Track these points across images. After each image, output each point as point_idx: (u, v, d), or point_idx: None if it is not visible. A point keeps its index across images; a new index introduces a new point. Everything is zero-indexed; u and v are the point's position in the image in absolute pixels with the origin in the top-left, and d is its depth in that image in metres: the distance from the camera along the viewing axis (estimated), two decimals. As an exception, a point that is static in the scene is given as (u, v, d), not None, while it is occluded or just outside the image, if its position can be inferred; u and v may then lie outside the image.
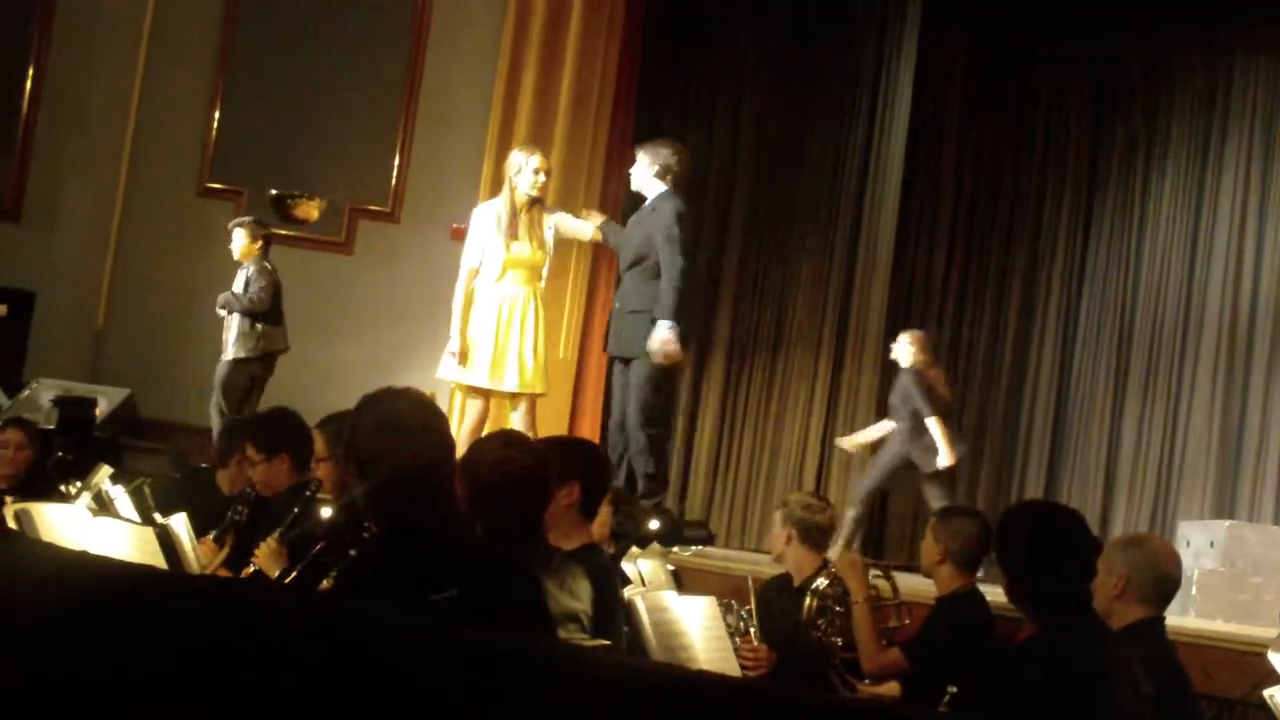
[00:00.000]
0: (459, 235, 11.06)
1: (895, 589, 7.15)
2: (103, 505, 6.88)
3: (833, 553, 7.95)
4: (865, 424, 13.67)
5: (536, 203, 10.36)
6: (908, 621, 7.06)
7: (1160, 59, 14.67)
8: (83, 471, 7.50)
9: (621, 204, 11.89)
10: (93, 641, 3.15)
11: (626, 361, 10.28)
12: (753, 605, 6.94)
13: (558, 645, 4.19)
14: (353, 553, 4.47)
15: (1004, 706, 4.96)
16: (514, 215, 10.26)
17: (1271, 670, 5.76)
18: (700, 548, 10.33)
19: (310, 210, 13.65)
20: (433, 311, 11.42)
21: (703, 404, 14.23)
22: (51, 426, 10.75)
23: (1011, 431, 14.69)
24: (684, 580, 7.94)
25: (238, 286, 11.71)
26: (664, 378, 10.26)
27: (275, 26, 13.90)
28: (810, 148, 14.38)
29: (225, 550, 7.36)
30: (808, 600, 6.93)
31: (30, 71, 14.03)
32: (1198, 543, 10.85)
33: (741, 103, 14.45)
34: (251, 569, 6.66)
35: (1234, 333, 14.21)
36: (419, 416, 4.35)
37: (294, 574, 5.74)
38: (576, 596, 5.20)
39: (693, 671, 4.57)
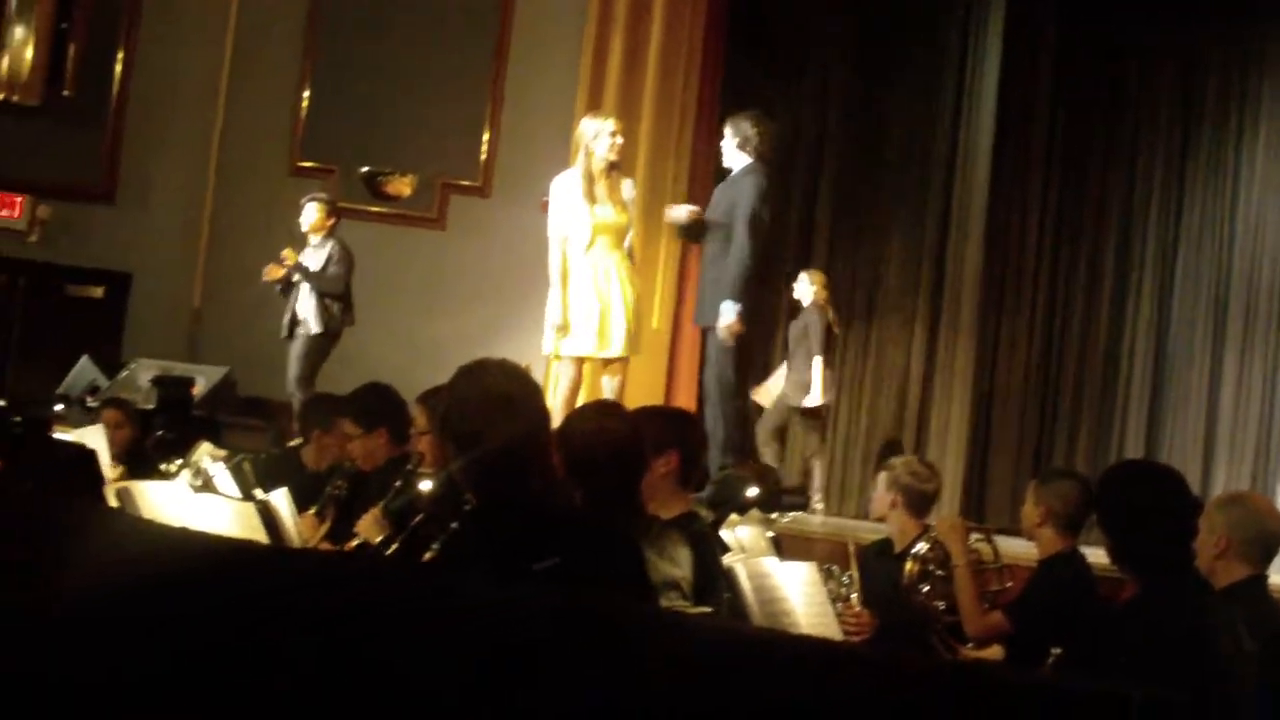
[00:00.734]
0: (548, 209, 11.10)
1: (996, 552, 7.10)
2: (203, 482, 6.93)
3: (933, 517, 7.91)
4: (962, 393, 13.65)
5: (614, 167, 10.36)
6: (1009, 585, 7.01)
7: (1252, 20, 14.44)
8: (182, 450, 7.56)
9: (713, 177, 11.84)
10: (197, 617, 3.17)
11: (707, 331, 10.34)
12: (854, 570, 6.92)
13: (661, 611, 4.19)
14: (454, 525, 4.47)
15: (1107, 667, 4.92)
16: (593, 181, 10.25)
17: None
18: (798, 514, 10.32)
19: (402, 186, 13.70)
20: (525, 285, 11.46)
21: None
22: (150, 406, 10.83)
23: (1110, 393, 14.55)
24: (784, 546, 7.92)
25: (314, 263, 11.78)
26: (739, 349, 10.29)
27: (362, 3, 13.95)
28: (899, 118, 14.28)
29: (326, 525, 7.41)
30: (909, 565, 6.90)
31: (120, 54, 14.14)
32: (1299, 500, 10.76)
33: (829, 75, 14.38)
34: (354, 543, 6.68)
35: (1333, 290, 14.06)
36: (515, 387, 4.34)
37: (394, 546, 5.77)
38: (677, 564, 5.20)
39: (796, 636, 4.56)
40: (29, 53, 13.76)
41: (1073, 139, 14.66)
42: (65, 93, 13.95)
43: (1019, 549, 7.70)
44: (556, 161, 10.79)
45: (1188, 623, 4.91)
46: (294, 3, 14.05)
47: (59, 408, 11.41)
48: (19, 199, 14.06)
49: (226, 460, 7.49)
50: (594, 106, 12.50)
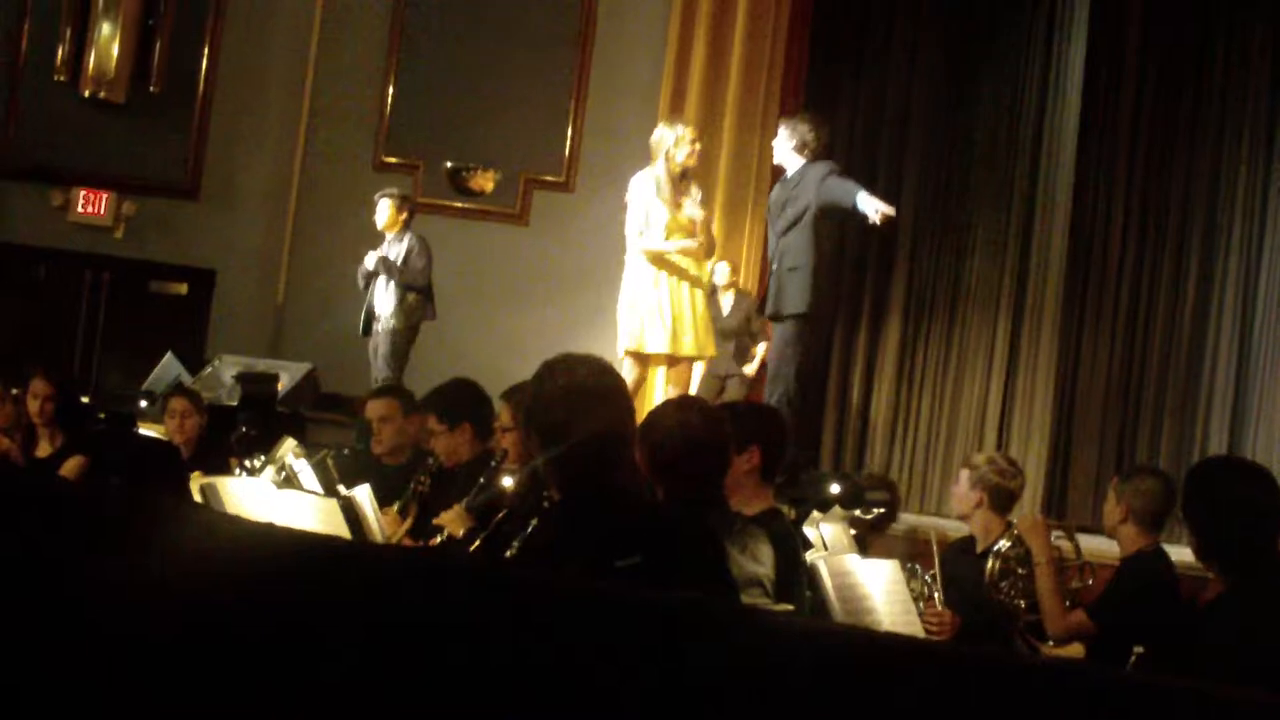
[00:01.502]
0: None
1: (1078, 549, 7.08)
2: (287, 479, 6.96)
3: (1014, 515, 7.87)
4: (1046, 384, 13.58)
5: (689, 171, 10.49)
6: (1091, 582, 6.98)
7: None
8: (266, 446, 7.59)
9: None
10: (282, 613, 3.19)
11: (778, 320, 10.32)
12: (937, 569, 6.90)
13: (743, 608, 4.19)
14: (535, 521, 4.48)
15: (1193, 667, 4.89)
16: (671, 184, 10.33)
17: None
18: (880, 510, 10.29)
19: (485, 182, 13.75)
20: (608, 280, 11.46)
21: (879, 366, 14.13)
22: (234, 403, 10.88)
23: (1193, 388, 14.38)
24: (866, 543, 7.91)
25: (393, 256, 11.82)
26: (810, 336, 10.32)
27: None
28: (983, 105, 14.19)
29: (409, 521, 7.43)
30: (990, 563, 6.88)
31: (205, 51, 14.24)
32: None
33: (915, 58, 14.30)
34: (437, 538, 6.71)
35: None
36: (600, 382, 4.35)
37: (477, 542, 5.79)
38: (759, 561, 5.20)
39: (879, 633, 4.56)
40: (115, 50, 13.88)
41: (1157, 125, 14.49)
42: (151, 89, 14.07)
43: (1101, 547, 7.66)
44: (640, 157, 10.80)
45: (1276, 621, 4.87)
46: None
47: (143, 404, 11.48)
48: (105, 195, 14.18)
49: (309, 456, 7.52)
50: (678, 101, 12.56)
